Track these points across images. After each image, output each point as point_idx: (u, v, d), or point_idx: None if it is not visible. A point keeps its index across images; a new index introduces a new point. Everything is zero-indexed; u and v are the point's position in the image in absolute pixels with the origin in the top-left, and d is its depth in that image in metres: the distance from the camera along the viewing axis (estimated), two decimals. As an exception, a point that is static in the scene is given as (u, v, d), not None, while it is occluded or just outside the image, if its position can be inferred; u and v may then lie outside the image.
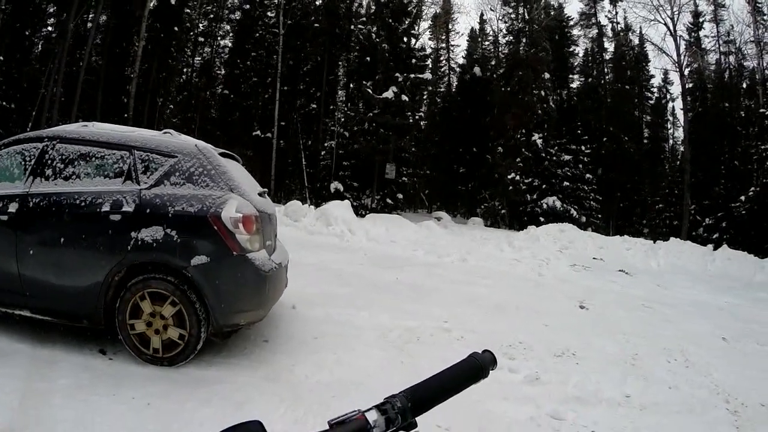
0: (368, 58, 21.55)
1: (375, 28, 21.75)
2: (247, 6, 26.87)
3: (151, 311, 3.31)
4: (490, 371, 0.90)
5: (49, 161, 3.57)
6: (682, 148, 26.24)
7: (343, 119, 24.76)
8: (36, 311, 3.46)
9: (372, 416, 0.73)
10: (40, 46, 23.31)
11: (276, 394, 3.15)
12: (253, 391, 3.17)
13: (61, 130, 3.80)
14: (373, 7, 23.64)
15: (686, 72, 23.95)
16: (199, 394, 3.04)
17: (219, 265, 3.33)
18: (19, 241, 3.40)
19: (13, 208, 3.44)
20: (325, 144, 24.77)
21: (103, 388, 2.97)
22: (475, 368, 0.88)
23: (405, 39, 21.49)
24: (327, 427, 0.69)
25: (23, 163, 3.63)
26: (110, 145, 3.59)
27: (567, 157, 22.25)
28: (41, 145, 3.64)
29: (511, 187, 21.21)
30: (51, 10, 22.76)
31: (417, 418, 0.79)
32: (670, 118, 31.00)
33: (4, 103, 20.25)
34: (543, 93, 22.43)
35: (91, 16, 22.24)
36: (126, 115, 20.06)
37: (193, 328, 3.30)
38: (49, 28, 23.18)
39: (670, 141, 31.53)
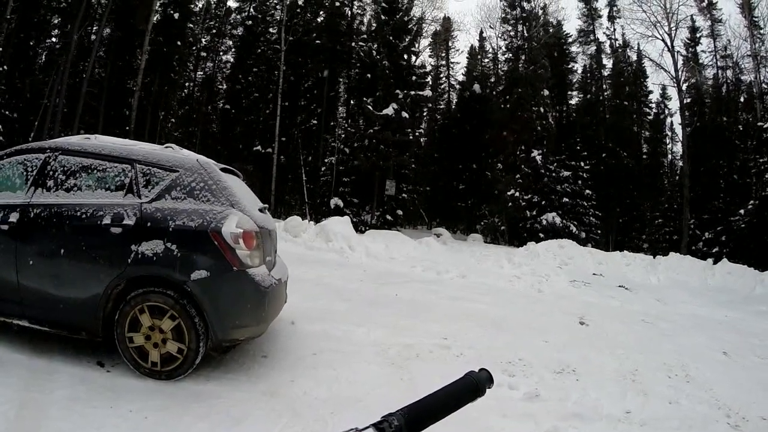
0: (369, 75, 21.71)
1: (376, 46, 21.96)
2: (249, 22, 27.24)
3: (150, 325, 3.31)
4: (487, 389, 0.91)
5: (51, 172, 3.58)
6: (680, 163, 26.33)
7: (343, 135, 24.88)
8: (34, 321, 3.46)
9: (369, 435, 0.74)
10: (43, 57, 23.59)
11: (274, 410, 3.14)
12: (251, 406, 3.15)
13: (64, 142, 3.82)
14: (374, 25, 23.93)
15: (684, 87, 24.15)
16: (196, 408, 3.03)
17: (219, 280, 3.33)
18: (19, 251, 3.40)
19: (14, 218, 3.45)
20: (326, 160, 24.88)
21: (100, 400, 2.96)
22: (472, 387, 0.89)
23: (405, 56, 21.70)
24: None
25: (25, 173, 3.64)
26: (112, 158, 3.60)
27: (566, 173, 22.33)
28: (43, 156, 3.66)
29: (510, 204, 21.25)
30: (55, 21, 23.07)
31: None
32: (669, 133, 31.12)
33: (6, 113, 20.39)
34: (542, 110, 22.57)
35: (94, 28, 22.56)
36: (128, 128, 20.22)
37: (191, 343, 3.29)
38: (53, 40, 23.50)
39: (669, 156, 31.63)
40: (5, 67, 19.27)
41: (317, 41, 24.85)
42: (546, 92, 23.00)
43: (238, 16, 29.35)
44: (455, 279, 9.07)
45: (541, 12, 25.61)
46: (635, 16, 24.05)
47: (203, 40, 29.54)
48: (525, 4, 24.73)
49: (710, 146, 23.51)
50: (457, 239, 19.85)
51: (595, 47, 29.32)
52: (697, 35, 25.38)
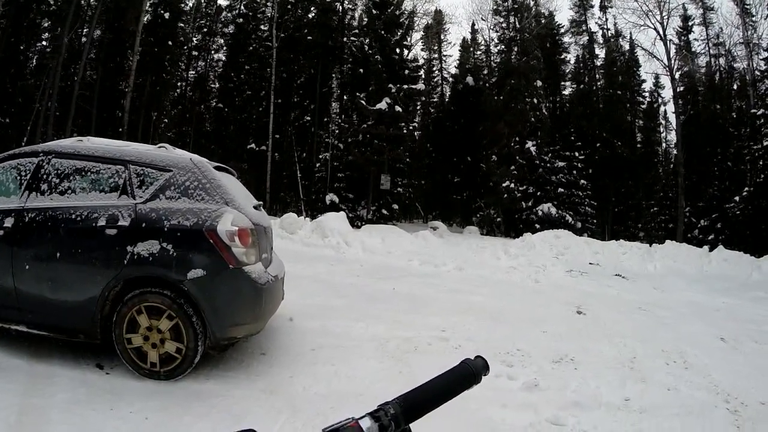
0: (361, 70, 21.67)
1: (368, 40, 21.89)
2: (240, 20, 27.11)
3: (148, 325, 3.31)
4: (483, 377, 0.91)
5: (45, 176, 3.57)
6: (675, 151, 26.43)
7: (337, 131, 24.85)
8: (32, 326, 3.45)
9: (365, 423, 0.74)
10: (34, 60, 23.48)
11: (274, 407, 3.15)
12: (251, 403, 3.16)
13: (57, 145, 3.81)
14: (366, 20, 23.81)
15: (677, 75, 24.17)
16: (196, 407, 3.03)
17: (215, 279, 3.33)
18: (15, 256, 3.39)
19: (8, 222, 3.44)
20: (320, 156, 24.83)
21: (100, 402, 2.96)
22: (468, 374, 0.89)
23: (397, 50, 21.62)
24: None
25: (19, 177, 3.63)
26: (105, 160, 3.59)
27: (561, 164, 22.36)
28: (36, 159, 3.64)
29: (506, 195, 21.25)
30: (46, 24, 22.93)
31: (411, 425, 0.80)
32: (663, 122, 31.22)
33: (-1, 117, 20.29)
34: (535, 101, 22.57)
35: (85, 30, 22.42)
36: (121, 130, 20.13)
37: (190, 342, 3.29)
38: (44, 43, 23.34)
39: (663, 144, 31.74)
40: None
41: (309, 37, 24.75)
42: (539, 83, 22.99)
43: (229, 14, 29.23)
44: (452, 272, 9.08)
45: (532, 3, 25.62)
46: (627, 6, 24.06)
47: (194, 39, 29.37)
48: (516, -5, 24.70)
49: (704, 134, 23.61)
50: (453, 232, 19.86)
51: (587, 37, 29.32)
52: (690, 23, 25.45)
